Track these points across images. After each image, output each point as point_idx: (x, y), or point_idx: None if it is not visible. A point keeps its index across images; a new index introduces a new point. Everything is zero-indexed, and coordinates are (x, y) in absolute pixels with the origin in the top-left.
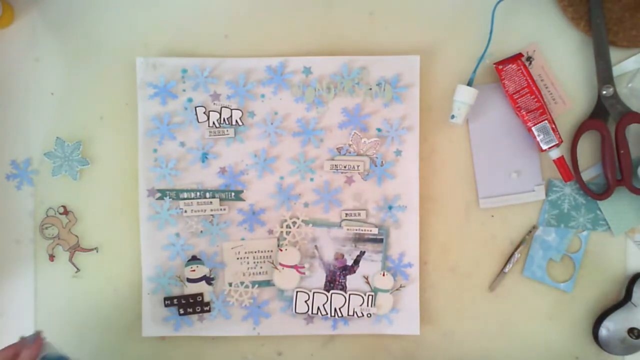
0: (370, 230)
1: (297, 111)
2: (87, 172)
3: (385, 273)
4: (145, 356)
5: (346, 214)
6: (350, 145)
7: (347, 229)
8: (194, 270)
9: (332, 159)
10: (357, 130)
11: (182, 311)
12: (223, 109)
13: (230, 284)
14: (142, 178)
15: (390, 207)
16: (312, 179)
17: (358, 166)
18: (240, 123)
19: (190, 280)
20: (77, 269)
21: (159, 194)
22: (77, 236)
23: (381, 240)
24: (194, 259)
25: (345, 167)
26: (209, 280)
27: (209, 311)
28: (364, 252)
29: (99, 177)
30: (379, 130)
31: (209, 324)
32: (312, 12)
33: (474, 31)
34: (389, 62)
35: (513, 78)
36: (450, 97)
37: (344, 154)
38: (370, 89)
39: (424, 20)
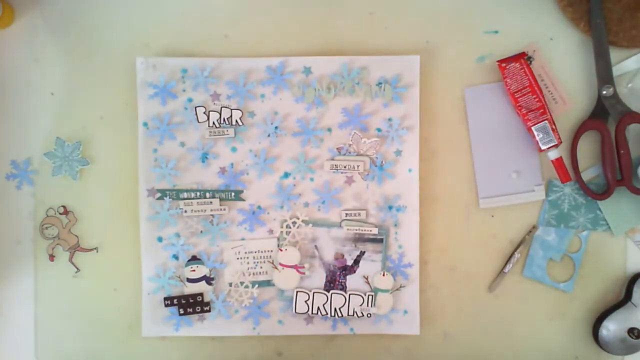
0: (370, 230)
1: (297, 111)
2: (87, 172)
3: (385, 273)
4: (145, 356)
5: (346, 214)
6: (350, 145)
7: (347, 229)
8: (194, 270)
9: (332, 159)
10: (357, 130)
11: (182, 311)
12: (223, 109)
13: (230, 284)
14: (142, 178)
15: (390, 207)
16: (312, 179)
17: (358, 166)
18: (240, 123)
19: (190, 280)
20: (77, 269)
21: (159, 194)
22: (77, 236)
23: (381, 240)
24: (194, 259)
25: (345, 167)
26: (209, 280)
27: (209, 311)
28: (364, 252)
29: (99, 177)
30: (379, 130)
31: (209, 324)
32: (312, 12)
33: (474, 31)
34: (389, 62)
35: (515, 77)
36: (450, 97)
37: (344, 154)
38: (371, 89)
39: (424, 20)
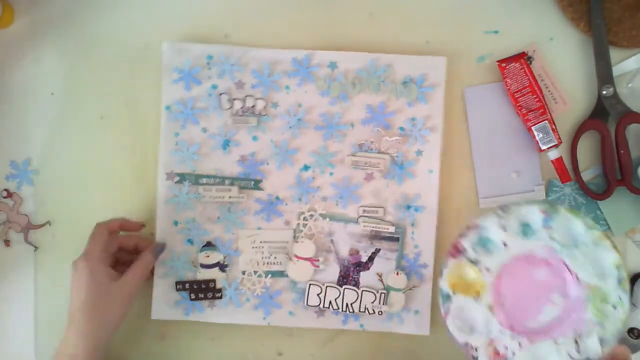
0: (387, 229)
1: (321, 105)
2: (88, 172)
3: (400, 272)
4: (144, 355)
5: (364, 211)
6: (372, 142)
7: (364, 226)
8: (208, 256)
9: (353, 155)
10: (380, 127)
11: (193, 296)
12: (247, 97)
13: (243, 272)
14: (162, 161)
15: (408, 207)
16: (331, 174)
17: (379, 163)
18: (264, 113)
19: (203, 266)
20: (36, 247)
21: (177, 178)
22: (27, 215)
23: (397, 239)
24: (208, 245)
25: (365, 163)
26: (222, 267)
27: (220, 298)
28: (379, 249)
29: (99, 176)
30: (401, 129)
31: (219, 311)
32: (312, 13)
33: (474, 31)
34: (415, 62)
35: (515, 77)
36: (450, 97)
37: (365, 151)
38: (396, 87)
39: (424, 20)
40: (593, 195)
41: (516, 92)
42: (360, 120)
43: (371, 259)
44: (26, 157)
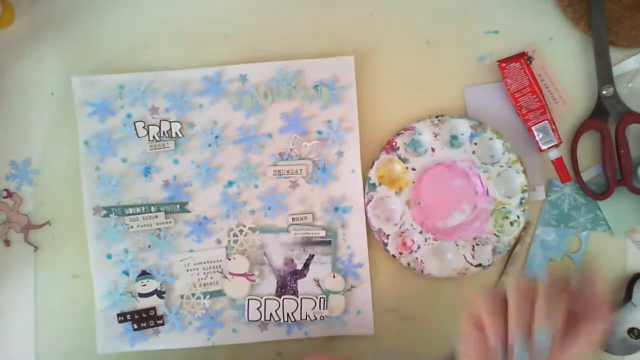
0: (318, 233)
1: (236, 119)
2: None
3: (336, 275)
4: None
5: (293, 219)
6: (292, 149)
7: (295, 234)
8: (144, 285)
9: (275, 165)
10: (298, 134)
11: (136, 326)
12: (162, 122)
13: (182, 296)
14: (86, 196)
15: (336, 209)
16: (256, 186)
17: (301, 170)
18: (180, 135)
19: (142, 295)
20: (36, 247)
21: (104, 212)
22: (26, 215)
23: (329, 242)
24: (144, 274)
25: (288, 171)
26: (160, 294)
27: (162, 324)
28: (313, 255)
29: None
30: (319, 133)
31: (164, 338)
32: (312, 13)
33: (474, 31)
34: (324, 65)
35: (515, 77)
36: (450, 97)
37: (287, 159)
38: (307, 92)
39: (424, 20)
40: (593, 195)
41: (516, 92)
42: (278, 129)
43: (306, 265)
44: (26, 157)
